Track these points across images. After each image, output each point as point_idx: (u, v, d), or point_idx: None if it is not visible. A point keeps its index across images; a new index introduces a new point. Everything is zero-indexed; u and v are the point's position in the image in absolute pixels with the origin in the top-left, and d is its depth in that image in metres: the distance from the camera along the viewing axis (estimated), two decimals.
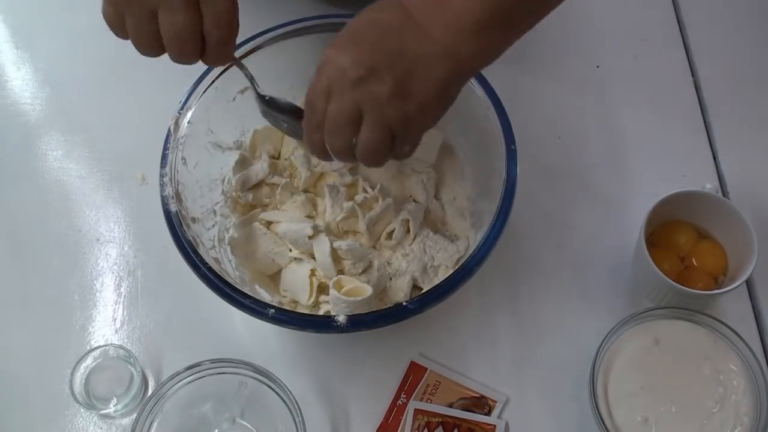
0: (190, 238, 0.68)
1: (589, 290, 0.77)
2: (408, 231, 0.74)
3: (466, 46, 0.58)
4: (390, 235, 0.74)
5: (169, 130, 0.72)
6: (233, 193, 0.77)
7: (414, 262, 0.73)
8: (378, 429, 0.72)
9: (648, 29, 0.93)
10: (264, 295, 0.73)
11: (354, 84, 0.57)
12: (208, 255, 0.69)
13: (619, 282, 0.77)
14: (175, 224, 0.68)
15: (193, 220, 0.71)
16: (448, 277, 0.66)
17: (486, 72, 0.89)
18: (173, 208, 0.69)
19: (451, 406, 0.72)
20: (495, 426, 0.71)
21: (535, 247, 0.80)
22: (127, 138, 0.87)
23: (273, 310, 0.64)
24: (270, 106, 0.70)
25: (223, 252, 0.74)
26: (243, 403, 0.72)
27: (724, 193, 0.82)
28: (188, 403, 0.71)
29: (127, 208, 0.83)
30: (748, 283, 0.77)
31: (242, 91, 0.76)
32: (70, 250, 0.81)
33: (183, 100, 0.74)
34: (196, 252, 0.67)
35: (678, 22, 0.93)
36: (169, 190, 0.69)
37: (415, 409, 0.71)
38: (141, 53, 0.63)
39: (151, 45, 0.62)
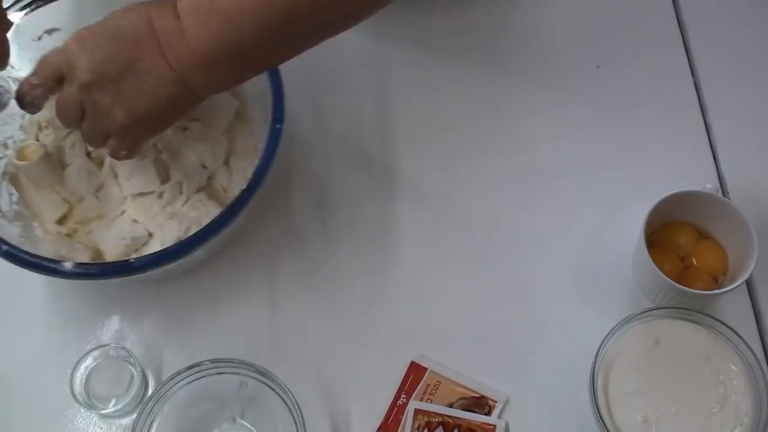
0: None
1: (589, 290, 0.77)
2: (181, 193, 0.75)
3: (194, 77, 0.61)
4: (161, 195, 0.75)
5: None
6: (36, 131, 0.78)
7: (178, 222, 0.74)
8: (378, 429, 0.72)
9: (648, 29, 0.93)
10: (38, 232, 0.75)
11: (81, 86, 0.61)
12: None
13: (619, 282, 0.77)
14: None
15: None
16: (177, 243, 0.68)
17: (487, 71, 0.90)
18: None
19: (451, 406, 0.72)
20: (495, 426, 0.71)
21: (535, 247, 0.80)
22: None
23: (6, 247, 0.66)
24: None
25: (3, 185, 0.75)
26: (243, 403, 0.72)
27: (724, 193, 0.82)
28: (188, 403, 0.71)
29: None
30: (748, 283, 0.77)
31: (49, 32, 0.77)
32: None
33: None
34: None
35: (678, 22, 0.93)
36: None
37: (415, 409, 0.71)
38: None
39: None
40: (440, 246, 0.80)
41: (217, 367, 0.70)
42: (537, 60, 0.90)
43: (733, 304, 0.76)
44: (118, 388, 0.73)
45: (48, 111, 0.76)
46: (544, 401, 0.73)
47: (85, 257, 0.73)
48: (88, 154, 0.78)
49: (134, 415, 0.70)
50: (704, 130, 0.86)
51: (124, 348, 0.74)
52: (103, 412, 0.72)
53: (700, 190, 0.75)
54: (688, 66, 0.90)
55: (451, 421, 0.71)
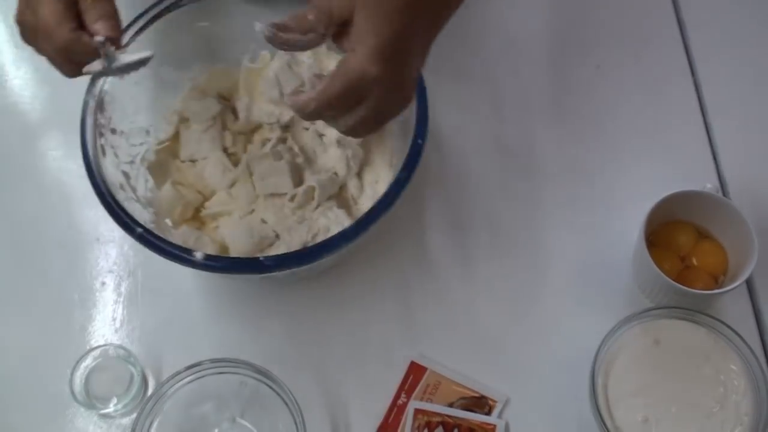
0: (100, 145, 0.70)
1: (589, 290, 0.77)
2: (312, 198, 0.75)
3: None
4: (293, 198, 0.75)
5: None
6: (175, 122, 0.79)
7: (307, 228, 0.74)
8: (378, 429, 0.72)
9: (648, 29, 0.93)
10: (168, 221, 0.75)
11: (383, 56, 0.55)
12: (116, 165, 0.72)
13: (619, 282, 0.77)
14: (88, 125, 0.70)
15: (113, 131, 0.73)
16: (308, 246, 0.67)
17: (487, 71, 0.90)
18: (91, 113, 0.70)
19: (451, 405, 0.72)
20: (495, 426, 0.71)
21: (535, 247, 0.80)
22: None
23: (141, 230, 0.66)
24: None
25: (141, 170, 0.76)
26: (243, 403, 0.72)
27: (724, 193, 0.82)
28: (188, 403, 0.71)
29: None
30: (748, 283, 0.77)
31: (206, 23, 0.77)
32: (70, 250, 0.81)
33: (136, 17, 0.74)
34: (96, 157, 0.69)
35: (678, 22, 0.93)
36: (92, 96, 0.70)
37: (416, 409, 0.71)
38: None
39: None
40: (440, 246, 0.80)
41: (217, 367, 0.70)
42: (537, 60, 0.90)
43: (733, 304, 0.76)
44: (118, 388, 0.73)
45: (187, 103, 0.79)
46: (544, 401, 0.73)
47: (212, 250, 0.73)
48: (225, 149, 0.79)
49: (134, 415, 0.70)
50: (704, 130, 0.86)
51: (123, 348, 0.74)
52: (102, 411, 0.72)
53: (700, 190, 0.75)
54: (688, 66, 0.90)
55: (451, 420, 0.71)
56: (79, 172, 0.85)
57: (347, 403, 0.73)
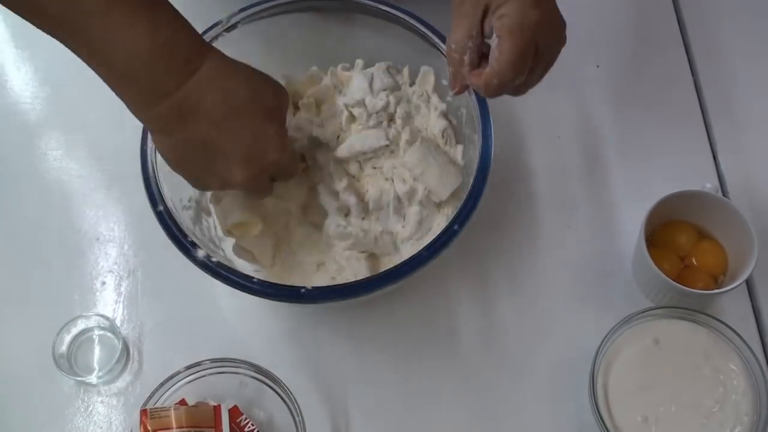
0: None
1: (589, 290, 0.77)
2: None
3: None
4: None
5: None
6: None
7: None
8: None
9: (648, 29, 0.93)
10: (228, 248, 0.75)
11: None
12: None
13: (619, 282, 0.77)
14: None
15: None
16: (357, 280, 0.66)
17: None
18: None
19: None
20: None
21: (535, 248, 0.80)
22: (127, 137, 0.86)
23: (202, 253, 0.66)
24: None
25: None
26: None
27: (724, 193, 0.82)
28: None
29: (127, 208, 0.83)
30: (748, 282, 0.77)
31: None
32: (70, 250, 0.81)
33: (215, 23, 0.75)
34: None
35: (678, 22, 0.93)
36: None
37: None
38: None
39: None
40: None
41: (217, 367, 0.70)
42: None
43: (733, 304, 0.76)
44: (103, 358, 0.74)
45: None
46: (544, 401, 0.73)
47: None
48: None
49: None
50: (704, 130, 0.86)
51: (106, 318, 0.75)
52: (81, 379, 0.73)
53: (700, 190, 0.75)
54: (688, 66, 0.90)
55: None
56: (79, 172, 0.85)
57: (347, 402, 0.73)
